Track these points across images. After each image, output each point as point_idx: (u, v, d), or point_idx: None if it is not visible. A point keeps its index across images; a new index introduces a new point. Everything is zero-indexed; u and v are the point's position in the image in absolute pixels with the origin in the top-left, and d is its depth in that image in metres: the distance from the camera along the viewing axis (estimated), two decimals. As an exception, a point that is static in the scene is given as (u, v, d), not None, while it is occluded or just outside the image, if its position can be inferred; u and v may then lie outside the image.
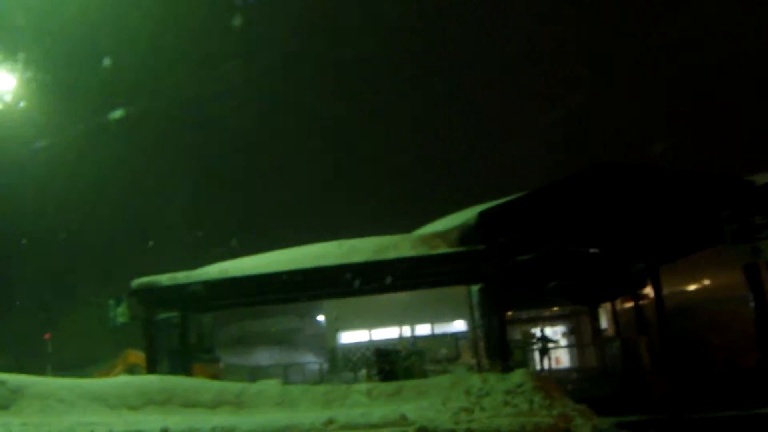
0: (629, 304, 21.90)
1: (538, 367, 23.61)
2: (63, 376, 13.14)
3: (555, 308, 30.41)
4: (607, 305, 24.77)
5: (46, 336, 23.13)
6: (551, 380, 11.58)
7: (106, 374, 22.25)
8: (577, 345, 30.42)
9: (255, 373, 29.78)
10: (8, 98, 13.26)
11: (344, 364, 35.16)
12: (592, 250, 16.62)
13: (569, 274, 20.13)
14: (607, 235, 15.56)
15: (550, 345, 25.40)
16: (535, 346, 24.62)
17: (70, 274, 41.35)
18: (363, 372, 23.00)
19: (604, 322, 27.17)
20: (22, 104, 13.46)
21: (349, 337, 38.08)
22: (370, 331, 37.60)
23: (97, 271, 42.25)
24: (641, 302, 20.02)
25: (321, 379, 29.16)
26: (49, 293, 38.27)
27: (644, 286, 18.89)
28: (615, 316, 23.53)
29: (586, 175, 13.61)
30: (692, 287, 28.50)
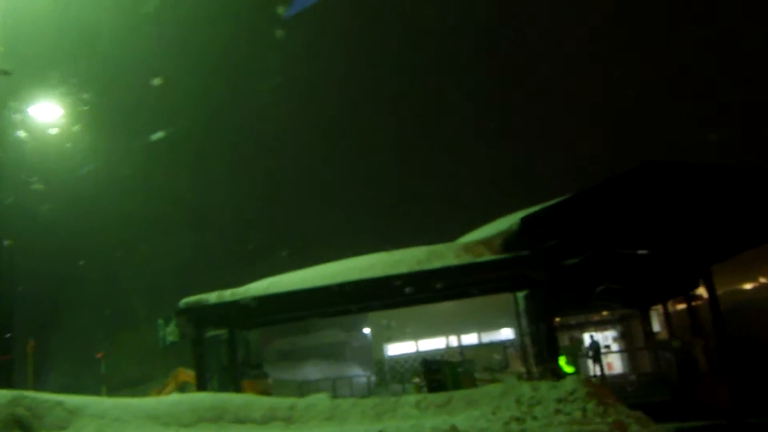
0: (682, 306, 21.30)
1: (590, 373, 23.13)
2: (117, 395, 13.40)
3: (605, 312, 29.75)
4: (659, 308, 24.13)
5: (99, 355, 23.65)
6: (604, 386, 11.31)
7: (159, 393, 22.66)
8: (628, 350, 29.68)
9: (303, 388, 29.90)
10: (54, 130, 13.63)
11: (392, 376, 35.09)
12: (641, 252, 16.21)
13: (618, 277, 19.69)
14: (657, 236, 15.17)
15: (602, 350, 24.86)
16: (587, 353, 24.14)
17: (122, 295, 42.39)
18: (411, 383, 22.84)
19: (656, 326, 26.49)
20: (72, 129, 13.82)
21: (395, 348, 38.00)
22: (416, 342, 37.47)
23: (147, 291, 43.17)
24: (694, 303, 19.44)
25: (369, 391, 29.11)
26: (103, 314, 39.27)
27: (697, 286, 18.35)
28: (668, 319, 22.88)
29: (634, 174, 13.29)
30: (747, 286, 27.52)
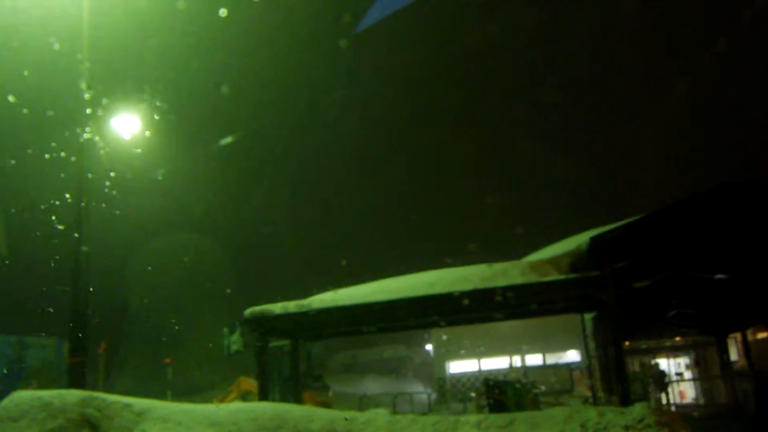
0: (763, 335, 20.19)
1: (663, 401, 22.21)
2: (182, 400, 13.70)
3: (677, 338, 28.52)
4: (737, 335, 22.95)
5: (167, 360, 24.32)
6: (677, 416, 10.76)
7: (222, 400, 23.09)
8: (702, 378, 28.32)
9: (363, 402, 29.89)
10: (132, 137, 14.16)
11: (453, 394, 34.67)
12: (718, 276, 15.46)
13: (693, 302, 18.86)
14: (735, 259, 14.44)
15: (666, 380, 23.90)
16: (651, 381, 23.24)
17: (189, 302, 43.56)
18: (472, 402, 22.48)
19: (734, 354, 25.19)
20: (146, 135, 14.32)
21: (457, 366, 37.55)
22: (479, 360, 36.94)
23: (214, 299, 44.24)
24: (777, 332, 18.40)
25: (429, 408, 28.83)
26: (171, 320, 40.43)
27: (779, 314, 17.37)
28: (746, 348, 21.71)
29: (712, 195, 12.71)
30: (836, 315, 25.84)
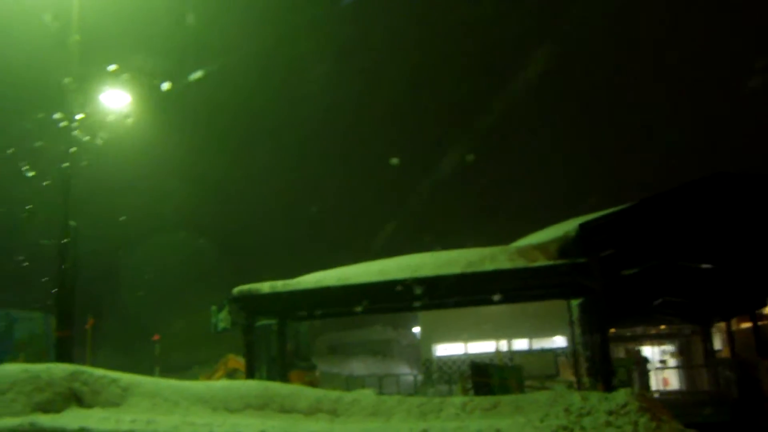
0: (746, 325, 20.42)
1: (646, 387, 22.47)
2: (169, 377, 13.72)
3: (662, 326, 28.83)
4: (722, 325, 23.21)
5: (155, 337, 24.34)
6: (658, 402, 10.92)
7: (209, 377, 23.17)
8: (686, 366, 28.67)
9: (350, 382, 30.07)
10: (122, 114, 14.02)
11: (439, 377, 34.92)
12: (704, 266, 15.59)
13: (679, 291, 19.02)
14: (723, 250, 14.55)
15: (658, 366, 24.19)
16: (634, 368, 23.49)
17: (177, 279, 43.50)
18: (458, 385, 22.66)
19: (717, 343, 25.50)
20: (131, 118, 14.18)
21: (444, 349, 37.78)
22: (465, 343, 37.16)
23: (202, 277, 44.22)
24: (761, 323, 18.60)
25: (415, 390, 29.04)
26: (158, 297, 40.41)
27: (764, 305, 17.56)
28: (730, 337, 21.98)
29: (704, 184, 12.73)
30: (818, 307, 26.14)
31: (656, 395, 23.52)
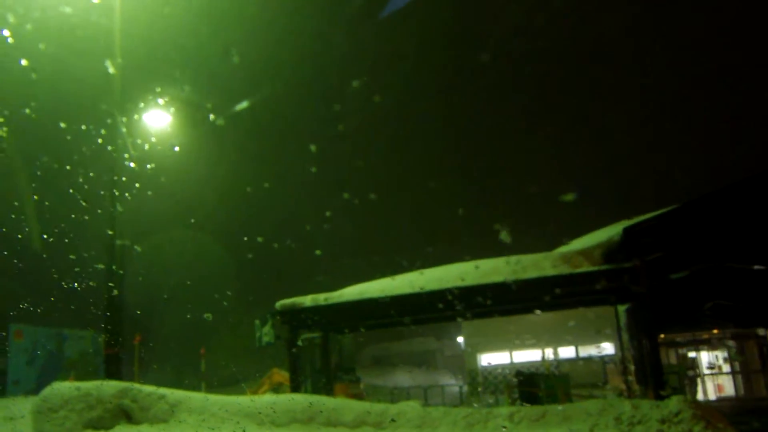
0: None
1: (700, 396, 21.84)
2: (215, 392, 13.88)
3: (715, 330, 27.95)
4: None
5: (201, 351, 24.67)
6: (714, 409, 10.55)
7: (254, 392, 23.35)
8: (742, 372, 27.72)
9: (395, 394, 29.95)
10: (164, 134, 14.33)
11: (484, 387, 34.52)
12: (757, 267, 15.07)
13: (730, 294, 18.42)
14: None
15: (696, 372, 23.55)
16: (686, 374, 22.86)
17: (222, 294, 43.99)
18: (504, 395, 22.37)
19: (774, 347, 24.63)
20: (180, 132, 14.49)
21: (489, 358, 37.32)
22: (511, 352, 36.63)
23: (248, 292, 44.64)
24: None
25: (461, 401, 28.77)
26: (203, 313, 40.94)
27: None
28: (787, 341, 21.21)
29: (754, 182, 12.35)
30: None
31: (710, 402, 22.81)
